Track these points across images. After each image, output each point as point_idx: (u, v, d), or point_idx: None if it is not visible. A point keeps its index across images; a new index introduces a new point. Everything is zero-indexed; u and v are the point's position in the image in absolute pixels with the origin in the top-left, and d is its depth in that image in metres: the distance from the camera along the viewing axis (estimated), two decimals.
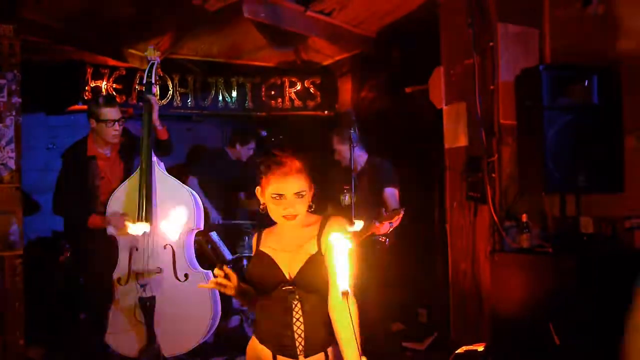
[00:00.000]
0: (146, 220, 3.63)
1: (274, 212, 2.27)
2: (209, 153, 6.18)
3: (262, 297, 2.30)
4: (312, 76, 6.55)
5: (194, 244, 3.94)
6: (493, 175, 4.05)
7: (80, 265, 4.03)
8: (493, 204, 4.01)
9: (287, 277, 2.24)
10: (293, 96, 6.53)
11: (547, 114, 3.82)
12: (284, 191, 2.23)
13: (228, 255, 5.12)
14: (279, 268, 2.27)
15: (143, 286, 3.59)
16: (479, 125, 4.07)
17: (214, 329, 3.82)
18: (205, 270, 3.80)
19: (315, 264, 2.22)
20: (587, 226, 3.97)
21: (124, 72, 5.89)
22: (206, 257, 4.62)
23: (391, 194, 4.68)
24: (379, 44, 5.70)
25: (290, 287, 2.21)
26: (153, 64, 3.97)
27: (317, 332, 2.22)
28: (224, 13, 4.82)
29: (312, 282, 2.21)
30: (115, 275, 3.69)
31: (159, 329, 3.61)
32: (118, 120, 3.93)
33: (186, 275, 3.72)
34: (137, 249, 3.67)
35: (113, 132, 3.93)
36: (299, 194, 2.24)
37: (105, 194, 3.90)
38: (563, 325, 3.43)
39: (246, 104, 6.46)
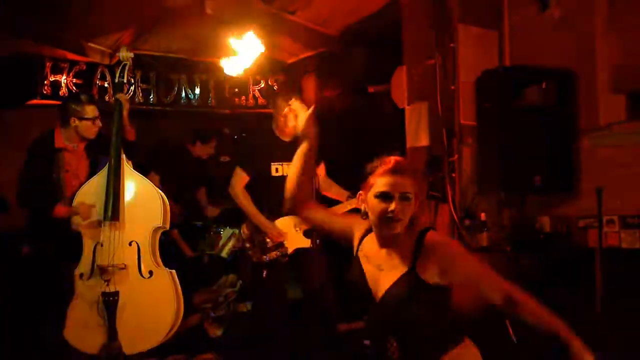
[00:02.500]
0: (113, 217, 3.60)
1: (375, 213, 2.03)
2: (170, 151, 6.11)
3: None
4: (276, 74, 6.53)
5: (159, 241, 3.90)
6: (453, 175, 4.12)
7: (42, 260, 3.96)
8: (453, 203, 4.08)
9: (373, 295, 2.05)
10: (257, 94, 6.49)
11: (506, 115, 3.91)
12: (390, 189, 2.01)
13: (190, 253, 5.08)
14: (368, 282, 2.07)
15: (107, 281, 3.55)
16: (440, 125, 4.14)
17: (176, 327, 3.79)
18: (170, 269, 3.77)
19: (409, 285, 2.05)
20: (544, 225, 4.07)
21: (84, 67, 5.78)
22: (170, 254, 4.58)
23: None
24: (343, 42, 5.73)
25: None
26: (125, 64, 3.94)
27: None
28: (186, 9, 4.79)
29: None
30: (77, 271, 3.63)
31: (120, 326, 3.57)
32: (99, 117, 3.92)
33: (151, 273, 3.69)
34: (101, 245, 3.63)
35: (95, 128, 3.91)
36: (404, 195, 2.01)
37: (70, 187, 3.84)
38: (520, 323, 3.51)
39: (209, 101, 6.42)
